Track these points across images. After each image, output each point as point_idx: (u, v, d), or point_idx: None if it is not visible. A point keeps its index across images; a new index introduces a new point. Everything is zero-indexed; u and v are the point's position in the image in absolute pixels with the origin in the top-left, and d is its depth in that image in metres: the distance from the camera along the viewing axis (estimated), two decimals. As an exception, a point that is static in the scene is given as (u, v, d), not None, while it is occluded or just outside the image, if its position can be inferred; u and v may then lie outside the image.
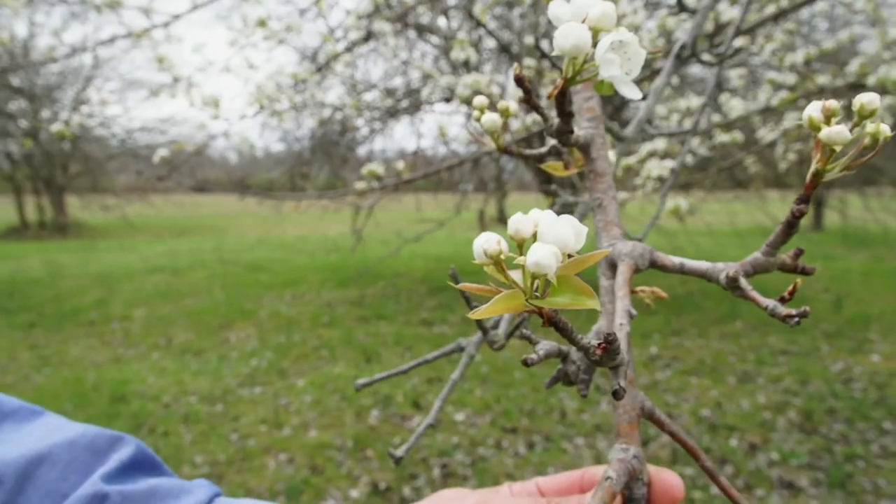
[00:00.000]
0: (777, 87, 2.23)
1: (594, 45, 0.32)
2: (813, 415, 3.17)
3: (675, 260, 0.36)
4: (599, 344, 0.29)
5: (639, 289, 0.39)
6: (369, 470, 2.73)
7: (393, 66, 5.26)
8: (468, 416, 3.26)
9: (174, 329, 5.14)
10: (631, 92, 0.33)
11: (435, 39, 4.95)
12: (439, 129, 2.36)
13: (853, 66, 2.19)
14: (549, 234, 0.26)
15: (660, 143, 2.23)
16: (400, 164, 1.96)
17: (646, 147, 2.20)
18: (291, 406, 3.43)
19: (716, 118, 2.43)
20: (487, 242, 0.27)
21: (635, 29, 1.82)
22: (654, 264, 0.37)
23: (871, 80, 2.10)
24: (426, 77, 3.44)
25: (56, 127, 2.01)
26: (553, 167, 0.43)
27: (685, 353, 4.23)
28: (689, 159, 2.39)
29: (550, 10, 0.33)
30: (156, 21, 2.03)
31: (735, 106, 2.21)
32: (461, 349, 0.68)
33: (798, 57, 2.22)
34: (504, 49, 4.53)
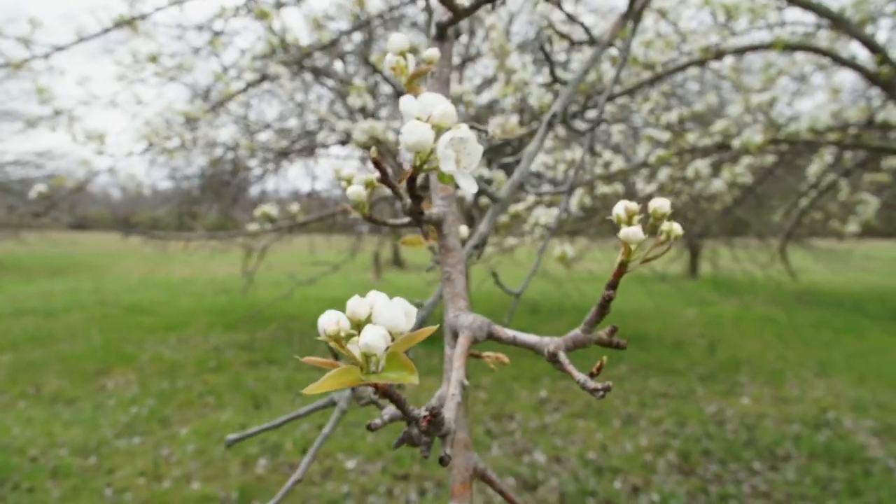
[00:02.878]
0: (655, 143, 2.41)
1: (437, 139, 0.36)
2: (690, 456, 3.34)
3: (509, 333, 0.40)
4: (425, 416, 0.32)
5: (485, 354, 0.42)
6: (255, 522, 2.62)
7: (288, 108, 5.24)
8: (359, 462, 3.21)
9: (45, 375, 4.78)
10: (467, 185, 0.37)
11: (331, 83, 4.98)
12: (335, 171, 2.37)
13: (717, 127, 2.40)
14: (382, 317, 0.30)
15: (547, 189, 2.35)
16: (294, 207, 1.95)
17: (532, 196, 2.30)
18: (173, 457, 3.26)
19: (598, 170, 2.59)
20: (327, 323, 0.30)
21: (524, 84, 1.93)
22: (492, 336, 0.41)
23: (735, 143, 2.31)
24: (322, 121, 3.45)
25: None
26: (411, 241, 0.46)
27: (573, 397, 4.36)
28: (575, 208, 2.53)
29: (401, 104, 0.37)
30: (36, 52, 1.94)
31: (614, 160, 2.36)
32: (333, 403, 0.69)
33: (672, 116, 2.41)
34: (400, 95, 4.62)
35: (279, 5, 2.34)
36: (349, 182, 0.43)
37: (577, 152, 2.57)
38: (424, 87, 0.45)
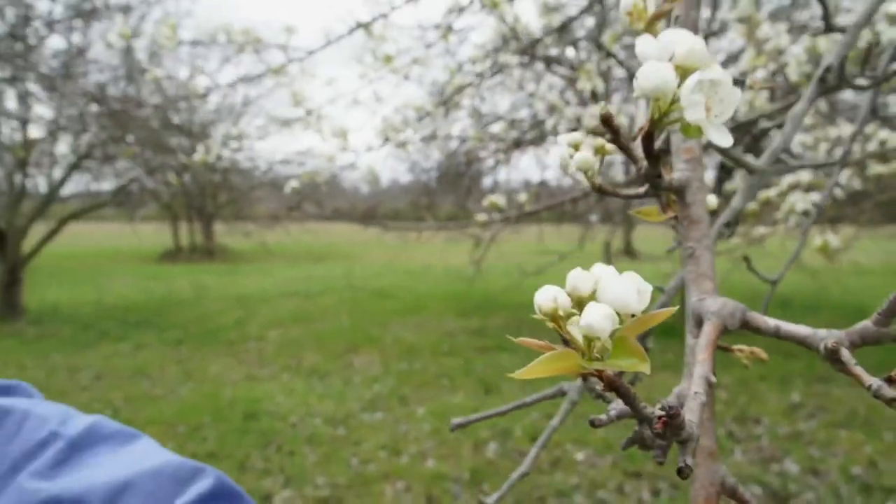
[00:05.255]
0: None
1: (681, 83, 0.29)
2: None
3: (771, 322, 0.33)
4: (661, 417, 0.26)
5: (736, 347, 0.34)
6: (485, 505, 2.68)
7: (519, 98, 5.28)
8: (588, 455, 3.14)
9: (304, 351, 5.36)
10: (720, 137, 0.30)
11: (563, 70, 4.92)
12: (562, 158, 2.32)
13: None
14: (608, 294, 0.25)
15: (804, 175, 2.08)
16: (523, 196, 1.94)
17: (787, 179, 2.04)
18: (410, 434, 3.45)
19: (872, 146, 2.23)
20: (543, 299, 0.25)
21: (779, 53, 1.70)
22: (747, 325, 0.33)
23: None
24: (552, 109, 3.42)
25: (198, 156, 2.17)
26: (646, 212, 0.39)
27: (833, 403, 3.86)
28: (840, 192, 2.20)
29: (637, 47, 0.31)
30: (292, 56, 2.16)
31: (890, 136, 2.01)
32: (563, 394, 0.64)
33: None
34: (634, 77, 4.43)
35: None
36: (576, 148, 0.37)
37: (843, 128, 2.24)
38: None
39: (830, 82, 0.55)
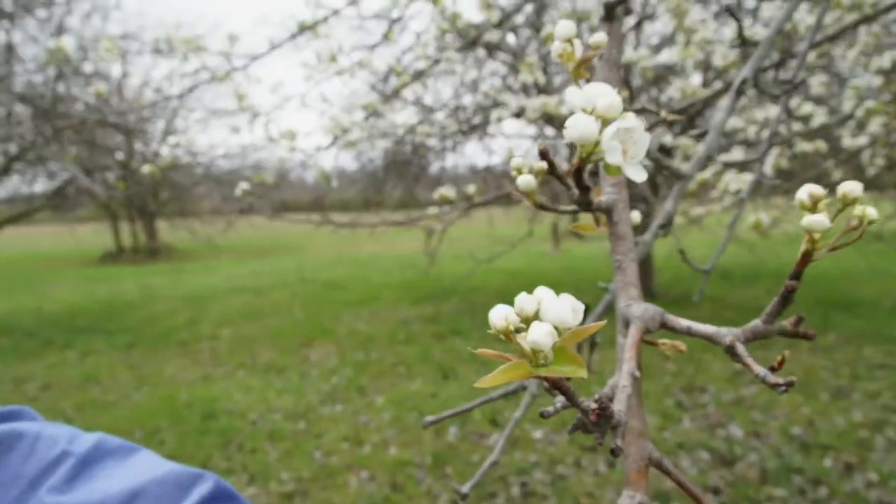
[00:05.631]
0: (862, 95, 2.14)
1: (602, 131, 0.35)
2: (915, 433, 2.99)
3: (683, 323, 0.39)
4: (594, 410, 0.32)
5: (660, 342, 0.40)
6: (449, 488, 2.75)
7: (463, 85, 5.32)
8: (546, 433, 3.24)
9: (258, 348, 5.33)
10: (636, 174, 0.37)
11: (504, 56, 4.98)
12: (509, 151, 2.39)
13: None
14: (549, 314, 0.30)
15: (737, 154, 2.18)
16: (471, 188, 1.99)
17: (721, 159, 2.15)
18: (371, 423, 3.50)
19: (797, 126, 2.35)
20: (497, 318, 0.31)
21: (707, 43, 1.79)
22: (665, 326, 0.40)
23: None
24: (495, 102, 3.49)
25: (146, 169, 2.15)
26: (583, 227, 0.46)
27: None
28: (770, 170, 2.32)
29: (566, 95, 0.36)
30: (236, 64, 2.16)
31: (815, 113, 2.13)
32: (524, 388, 0.69)
33: (885, 60, 2.13)
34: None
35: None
36: (519, 172, 0.43)
37: (770, 110, 2.36)
38: (592, 72, 0.44)
39: (747, 92, 0.61)
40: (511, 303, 0.32)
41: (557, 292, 0.32)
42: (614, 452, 0.33)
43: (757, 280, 7.08)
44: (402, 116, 4.93)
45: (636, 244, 0.45)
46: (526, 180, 0.42)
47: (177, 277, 10.68)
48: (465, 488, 0.60)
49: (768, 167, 2.10)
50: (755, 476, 2.70)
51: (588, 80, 0.42)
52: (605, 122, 0.36)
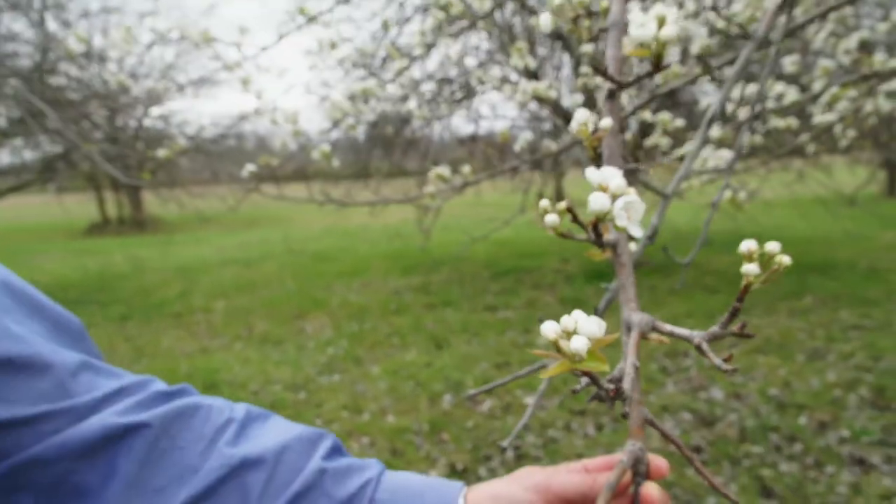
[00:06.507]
0: (831, 74, 2.23)
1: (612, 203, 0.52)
2: (886, 391, 3.17)
3: (667, 327, 0.53)
4: (611, 389, 0.46)
5: (650, 336, 0.53)
6: (446, 452, 2.90)
7: (448, 58, 5.36)
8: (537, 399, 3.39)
9: (253, 319, 5.44)
10: (635, 230, 0.53)
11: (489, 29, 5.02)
12: (502, 133, 2.48)
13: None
14: (584, 329, 0.44)
15: (715, 132, 2.28)
16: (466, 168, 2.08)
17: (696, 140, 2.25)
18: (368, 392, 3.63)
19: (770, 104, 2.45)
20: (548, 331, 0.44)
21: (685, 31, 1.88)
22: (654, 329, 0.54)
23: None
24: (480, 81, 3.57)
25: (161, 153, 2.23)
26: (593, 253, 0.59)
27: (752, 331, 4.23)
28: (745, 144, 2.42)
29: (587, 173, 0.49)
30: (246, 54, 2.23)
31: (787, 91, 2.22)
32: (544, 367, 0.81)
33: (852, 42, 2.23)
34: (559, 36, 4.58)
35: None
36: (545, 212, 0.54)
37: (747, 88, 2.45)
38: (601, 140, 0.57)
39: (715, 122, 0.72)
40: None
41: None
42: (625, 416, 0.48)
43: (736, 246, 7.19)
44: (389, 88, 4.96)
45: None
46: (552, 220, 0.54)
47: (165, 249, 10.72)
48: (504, 443, 0.76)
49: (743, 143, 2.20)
50: (734, 435, 2.87)
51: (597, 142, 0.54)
52: (615, 197, 0.51)
